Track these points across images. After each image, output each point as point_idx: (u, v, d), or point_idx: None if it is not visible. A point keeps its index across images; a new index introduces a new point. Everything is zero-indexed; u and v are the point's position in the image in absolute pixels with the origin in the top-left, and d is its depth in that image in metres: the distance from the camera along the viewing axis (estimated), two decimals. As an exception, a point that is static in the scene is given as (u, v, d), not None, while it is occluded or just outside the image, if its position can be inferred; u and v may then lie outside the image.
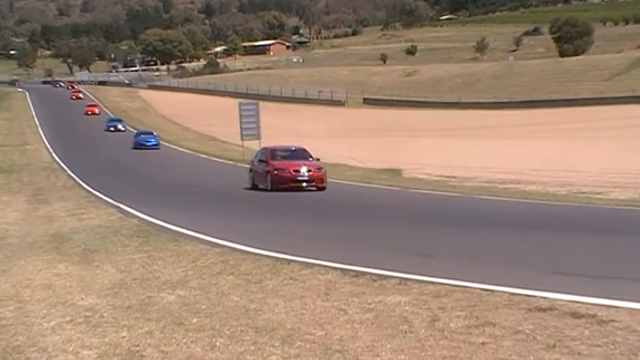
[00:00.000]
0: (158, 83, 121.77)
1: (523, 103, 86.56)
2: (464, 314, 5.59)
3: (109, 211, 16.68)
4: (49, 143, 51.20)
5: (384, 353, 4.74)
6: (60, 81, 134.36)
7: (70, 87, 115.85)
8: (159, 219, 14.04)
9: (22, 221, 15.83)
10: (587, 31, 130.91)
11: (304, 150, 24.88)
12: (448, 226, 13.88)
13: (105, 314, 6.38)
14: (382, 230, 13.42)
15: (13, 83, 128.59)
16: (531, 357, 4.49)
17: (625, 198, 19.12)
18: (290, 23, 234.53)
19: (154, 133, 51.62)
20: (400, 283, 6.94)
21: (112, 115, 71.68)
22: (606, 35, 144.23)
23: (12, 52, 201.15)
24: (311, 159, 23.99)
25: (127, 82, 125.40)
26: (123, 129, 60.68)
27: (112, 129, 60.64)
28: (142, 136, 50.25)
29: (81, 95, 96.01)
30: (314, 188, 22.69)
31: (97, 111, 75.88)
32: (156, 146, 48.49)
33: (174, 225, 12.91)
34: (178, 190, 25.96)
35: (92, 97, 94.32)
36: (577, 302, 5.69)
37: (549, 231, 12.47)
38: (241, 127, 41.88)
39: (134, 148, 47.67)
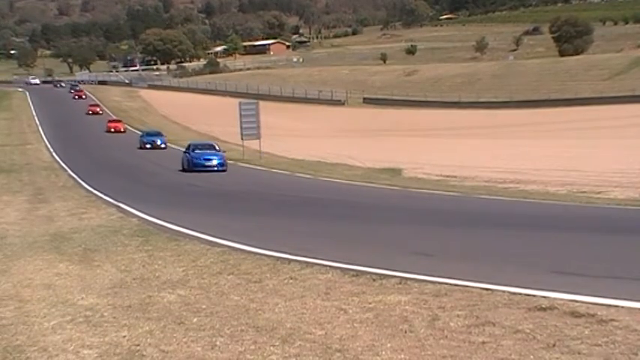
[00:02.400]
0: (158, 83, 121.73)
1: (523, 102, 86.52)
2: (464, 313, 5.59)
3: (109, 210, 16.69)
4: (49, 143, 51.20)
5: (384, 352, 4.74)
6: (61, 81, 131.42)
7: (77, 95, 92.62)
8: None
9: (23, 221, 15.83)
10: (587, 31, 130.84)
11: None
12: (448, 226, 13.87)
13: (105, 314, 6.38)
14: (382, 230, 13.40)
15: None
16: (531, 356, 4.49)
17: (625, 197, 19.11)
18: (290, 23, 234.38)
19: (216, 147, 35.20)
20: (400, 283, 6.94)
21: (139, 131, 54.24)
22: (606, 35, 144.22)
23: (12, 51, 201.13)
24: None
25: (127, 81, 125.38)
26: (163, 145, 46.41)
27: (148, 146, 45.88)
28: (196, 151, 33.58)
29: (99, 110, 74.16)
30: None
31: (121, 128, 58.27)
32: (221, 167, 32.41)
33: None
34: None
35: (109, 112, 76.36)
36: (577, 302, 5.68)
37: (549, 230, 12.46)
38: (241, 127, 41.85)
39: (185, 170, 32.33)
